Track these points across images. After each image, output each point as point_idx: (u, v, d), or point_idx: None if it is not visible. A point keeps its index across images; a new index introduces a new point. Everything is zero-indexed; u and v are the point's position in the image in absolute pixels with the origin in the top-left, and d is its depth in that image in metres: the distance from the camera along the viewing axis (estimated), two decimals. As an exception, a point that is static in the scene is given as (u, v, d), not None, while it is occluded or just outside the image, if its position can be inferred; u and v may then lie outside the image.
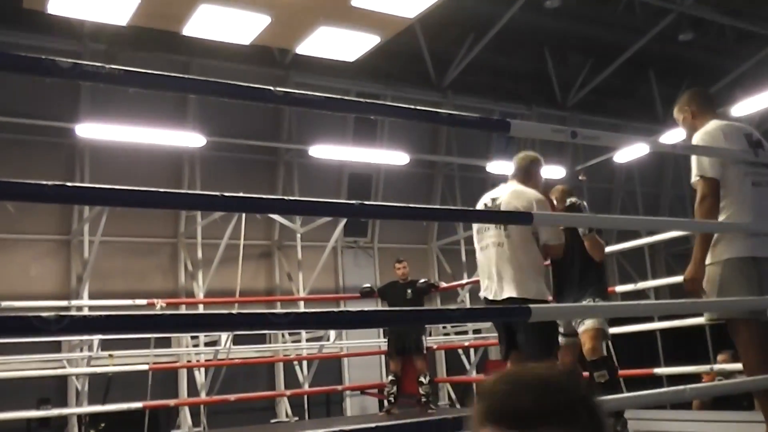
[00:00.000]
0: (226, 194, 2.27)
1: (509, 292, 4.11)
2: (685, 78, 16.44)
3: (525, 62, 15.71)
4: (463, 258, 14.50)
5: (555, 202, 5.18)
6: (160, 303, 7.04)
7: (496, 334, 4.56)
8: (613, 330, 6.41)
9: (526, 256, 4.26)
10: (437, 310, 2.30)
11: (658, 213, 17.61)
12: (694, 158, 3.55)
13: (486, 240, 4.35)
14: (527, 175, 4.66)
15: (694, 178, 3.55)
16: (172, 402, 9.28)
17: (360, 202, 2.46)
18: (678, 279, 3.65)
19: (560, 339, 4.74)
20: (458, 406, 10.40)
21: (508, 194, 4.43)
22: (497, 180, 15.68)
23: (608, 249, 6.81)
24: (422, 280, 8.54)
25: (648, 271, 16.09)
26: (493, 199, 4.47)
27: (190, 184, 12.44)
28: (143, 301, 7.20)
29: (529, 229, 4.20)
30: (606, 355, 4.69)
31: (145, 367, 7.66)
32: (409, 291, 8.36)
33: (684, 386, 2.71)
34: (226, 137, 12.38)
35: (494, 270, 4.29)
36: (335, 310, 2.30)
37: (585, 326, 4.55)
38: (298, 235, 12.94)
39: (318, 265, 12.52)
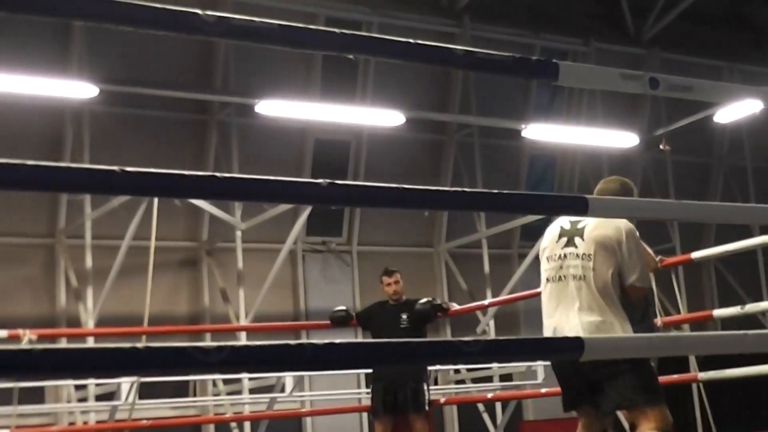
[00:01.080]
0: (128, 169, 2.27)
1: (587, 333, 4.50)
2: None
3: (579, -26, 15.81)
4: (486, 267, 14.57)
5: None
6: (27, 335, 7.03)
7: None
8: (706, 375, 6.48)
9: (611, 294, 4.87)
10: (446, 342, 2.32)
11: (777, 200, 17.77)
12: None
13: (564, 270, 4.94)
14: None
15: None
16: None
17: (330, 181, 2.47)
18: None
19: None
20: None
21: (593, 219, 4.94)
22: (537, 150, 15.99)
23: (703, 253, 6.88)
24: (423, 300, 8.56)
25: (763, 286, 16.23)
26: (573, 222, 5.03)
27: (75, 153, 12.43)
28: (3, 332, 7.20)
29: (616, 263, 4.87)
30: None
31: None
32: (404, 316, 8.38)
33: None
34: (128, 86, 12.37)
35: (573, 307, 4.85)
36: (293, 342, 2.32)
37: None
38: (238, 234, 12.95)
39: (268, 278, 12.55)
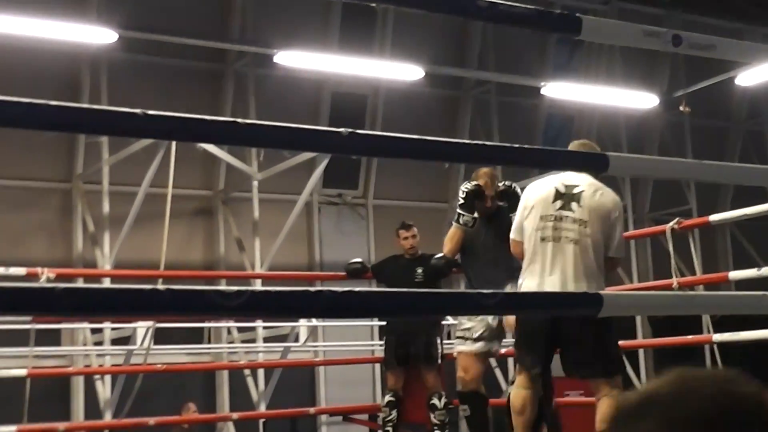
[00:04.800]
0: (151, 112, 2.26)
1: None
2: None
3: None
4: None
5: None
6: (46, 273, 7.04)
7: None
8: (721, 337, 6.46)
9: (600, 262, 5.06)
10: (464, 294, 2.32)
11: (794, 165, 17.69)
12: None
13: (559, 231, 5.03)
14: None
15: None
16: (61, 426, 9.32)
17: (352, 130, 2.45)
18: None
19: (469, 344, 6.49)
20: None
21: (588, 185, 5.16)
22: (554, 109, 15.91)
23: (721, 216, 6.84)
24: (439, 255, 8.51)
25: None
26: (568, 186, 5.14)
27: (92, 98, 12.42)
28: (21, 270, 7.21)
29: (607, 235, 5.08)
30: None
31: (22, 372, 7.68)
32: (418, 270, 8.37)
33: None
34: (146, 32, 12.32)
35: (568, 270, 4.97)
36: (312, 289, 2.32)
37: None
38: (255, 184, 12.96)
39: (283, 229, 12.56)
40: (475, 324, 6.58)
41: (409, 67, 13.22)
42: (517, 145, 2.79)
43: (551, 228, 5.06)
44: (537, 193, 5.20)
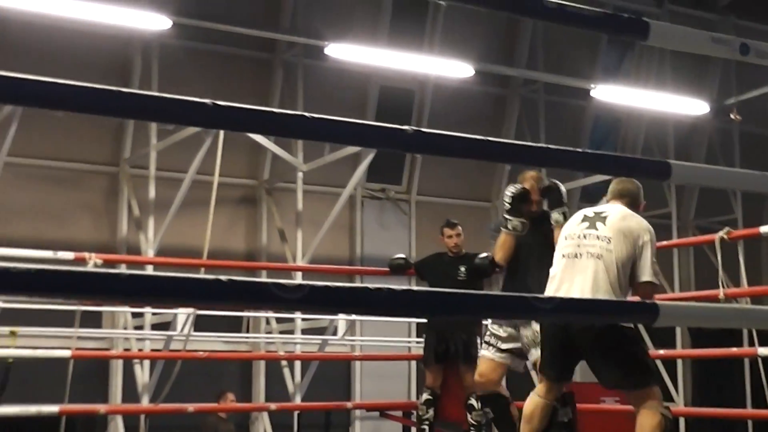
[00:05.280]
0: (219, 102, 2.28)
1: None
2: None
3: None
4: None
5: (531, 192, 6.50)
6: (94, 258, 7.11)
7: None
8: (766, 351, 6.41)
9: (623, 282, 5.09)
10: (520, 298, 2.30)
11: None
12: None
13: (582, 248, 5.15)
14: (635, 203, 5.46)
15: None
16: (102, 408, 9.45)
17: (416, 128, 2.46)
18: None
19: (493, 351, 6.56)
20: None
21: (618, 211, 5.29)
22: (602, 111, 15.81)
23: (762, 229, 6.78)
24: (483, 255, 8.48)
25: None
26: (597, 213, 5.30)
27: (143, 84, 12.51)
28: (69, 254, 7.27)
29: (633, 256, 5.11)
30: None
31: (67, 353, 7.76)
32: (461, 269, 8.35)
33: None
34: (199, 19, 12.38)
35: (587, 283, 5.04)
36: (371, 286, 2.32)
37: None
38: (300, 175, 12.99)
39: (326, 221, 12.58)
40: (507, 336, 6.59)
41: (457, 64, 13.19)
42: (579, 150, 2.78)
43: (574, 245, 5.19)
44: (569, 224, 5.39)
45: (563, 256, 5.23)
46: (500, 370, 6.71)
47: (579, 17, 2.71)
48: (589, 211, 5.33)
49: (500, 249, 6.68)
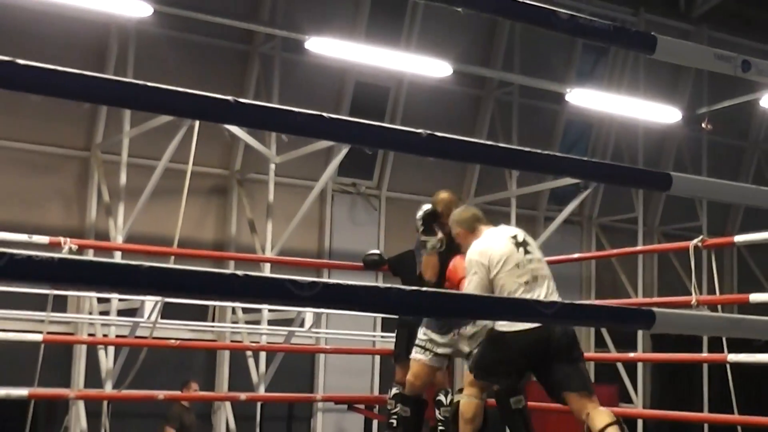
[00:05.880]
0: (210, 95, 2.31)
1: None
2: None
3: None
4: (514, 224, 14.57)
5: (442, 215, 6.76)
6: (69, 243, 7.06)
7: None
8: (736, 357, 6.52)
9: None
10: (524, 302, 2.34)
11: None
12: None
13: (535, 271, 5.68)
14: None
15: None
16: (71, 393, 9.40)
17: (430, 132, 2.50)
18: None
19: (428, 355, 6.71)
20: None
21: (520, 231, 5.95)
22: (574, 115, 15.90)
23: (747, 237, 6.91)
24: (455, 254, 8.58)
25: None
26: (514, 235, 5.86)
27: (118, 71, 12.45)
28: (44, 239, 7.23)
29: None
30: None
31: (38, 337, 7.69)
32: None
33: None
34: (179, 8, 12.32)
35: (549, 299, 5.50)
36: (382, 286, 2.36)
37: None
38: (272, 167, 12.98)
39: (297, 215, 12.59)
40: (445, 342, 6.76)
41: (434, 63, 13.23)
42: (577, 157, 2.84)
43: (529, 272, 5.67)
44: (498, 246, 5.74)
45: (526, 283, 5.64)
46: (432, 374, 6.98)
47: (591, 30, 2.76)
48: (511, 233, 5.85)
49: (428, 269, 6.85)
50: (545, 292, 5.63)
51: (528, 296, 5.50)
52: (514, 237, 5.78)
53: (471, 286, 5.77)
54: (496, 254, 5.66)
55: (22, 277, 1.98)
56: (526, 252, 5.68)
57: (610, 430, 5.35)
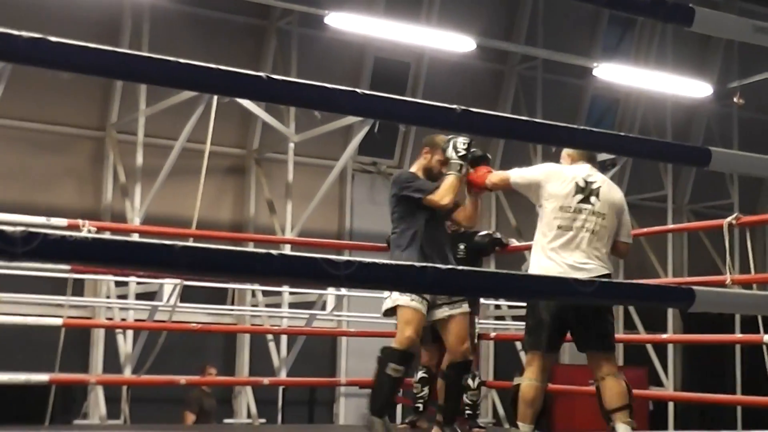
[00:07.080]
0: (213, 66, 2.31)
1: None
2: None
3: None
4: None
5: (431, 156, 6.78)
6: (87, 225, 7.09)
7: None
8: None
9: (609, 248, 5.72)
10: (561, 280, 2.36)
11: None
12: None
13: (578, 221, 5.56)
14: (594, 160, 5.93)
15: None
16: (92, 377, 9.45)
17: (465, 108, 2.51)
18: None
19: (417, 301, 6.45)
20: (508, 426, 10.58)
21: (603, 181, 5.75)
22: (600, 90, 15.85)
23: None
24: (483, 233, 8.52)
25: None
26: (588, 182, 5.67)
27: (132, 48, 12.45)
28: (62, 221, 7.25)
29: (617, 224, 5.73)
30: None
31: (58, 321, 7.74)
32: (461, 246, 8.31)
33: None
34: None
35: (581, 256, 5.54)
36: (417, 265, 2.37)
37: (458, 310, 6.57)
38: (291, 145, 12.98)
39: (317, 194, 12.59)
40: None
41: (455, 38, 13.20)
42: (611, 132, 2.84)
43: (571, 219, 5.57)
44: (559, 185, 5.61)
45: (559, 227, 5.57)
46: (424, 322, 6.68)
47: (629, 2, 2.76)
48: (580, 179, 5.64)
49: (450, 192, 6.41)
50: (582, 246, 5.52)
51: (557, 242, 5.53)
52: (580, 182, 5.60)
53: (520, 170, 5.82)
54: (552, 188, 5.58)
55: (55, 256, 2.01)
56: (585, 200, 5.55)
57: (618, 416, 5.43)
